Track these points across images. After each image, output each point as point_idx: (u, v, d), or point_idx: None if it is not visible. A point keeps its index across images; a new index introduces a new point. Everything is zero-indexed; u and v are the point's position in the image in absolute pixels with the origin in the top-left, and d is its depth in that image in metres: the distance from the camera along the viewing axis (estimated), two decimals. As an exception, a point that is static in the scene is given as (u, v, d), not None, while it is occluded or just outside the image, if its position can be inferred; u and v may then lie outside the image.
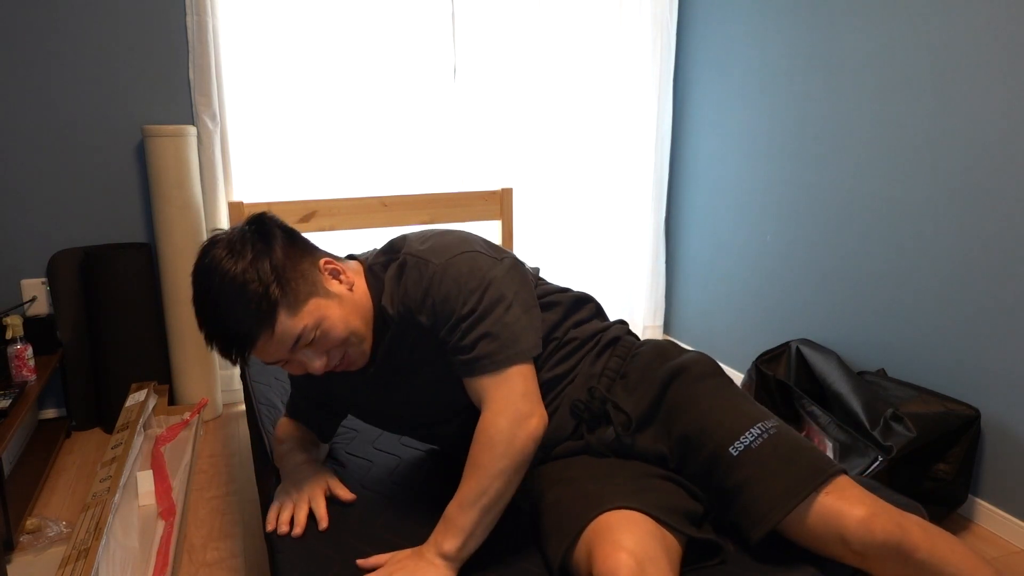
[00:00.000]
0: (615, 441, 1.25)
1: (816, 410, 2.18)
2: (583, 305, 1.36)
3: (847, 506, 1.05)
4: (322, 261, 1.17)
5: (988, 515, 2.04)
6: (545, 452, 1.28)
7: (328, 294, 1.14)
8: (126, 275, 2.53)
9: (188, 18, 2.59)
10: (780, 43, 2.66)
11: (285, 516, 1.21)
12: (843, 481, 1.10)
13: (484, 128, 3.07)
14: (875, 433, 1.99)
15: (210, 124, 2.65)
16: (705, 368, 1.27)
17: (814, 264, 2.60)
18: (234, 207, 2.65)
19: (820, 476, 1.09)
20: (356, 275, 1.22)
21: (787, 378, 2.40)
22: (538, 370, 1.21)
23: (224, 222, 2.74)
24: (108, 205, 2.67)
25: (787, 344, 2.46)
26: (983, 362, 2.02)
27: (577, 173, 3.26)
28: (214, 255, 1.09)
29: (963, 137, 2.03)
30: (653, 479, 1.17)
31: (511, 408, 1.08)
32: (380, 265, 1.22)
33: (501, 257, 1.19)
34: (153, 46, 2.62)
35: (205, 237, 2.64)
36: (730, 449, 1.14)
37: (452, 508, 1.08)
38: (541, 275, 1.51)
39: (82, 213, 2.65)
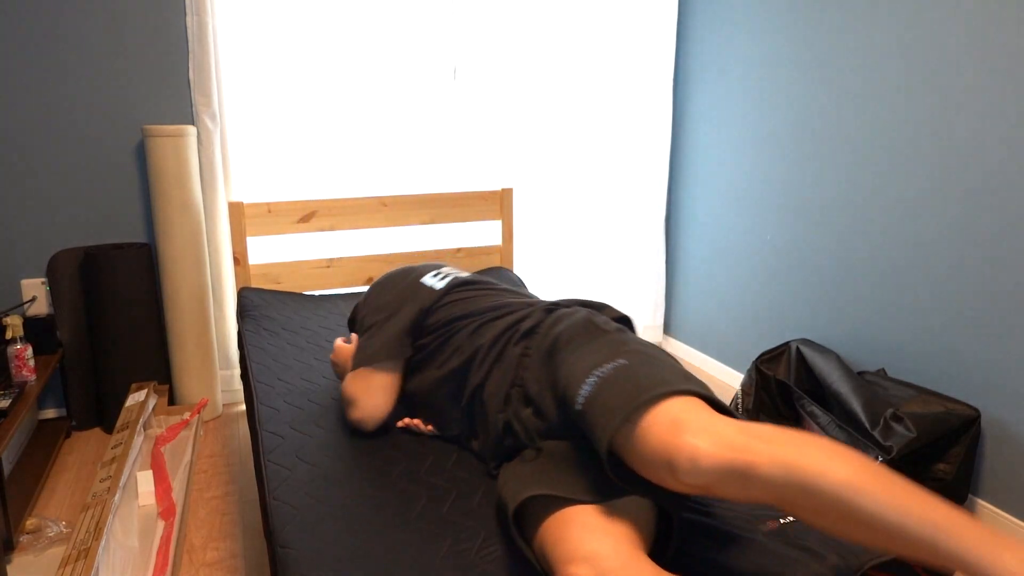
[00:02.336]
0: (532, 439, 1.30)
1: (816, 410, 2.18)
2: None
3: (672, 434, 0.96)
4: None
5: (988, 515, 2.04)
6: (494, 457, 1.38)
7: None
8: (126, 275, 2.53)
9: (188, 18, 2.59)
10: (780, 43, 2.66)
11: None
12: (676, 404, 1.00)
13: (484, 128, 3.07)
14: (875, 433, 1.99)
15: (210, 124, 2.64)
16: (571, 332, 1.27)
17: (814, 264, 2.60)
18: (234, 207, 2.65)
19: (641, 396, 1.01)
20: None
21: (787, 378, 2.40)
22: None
23: (224, 222, 2.74)
24: (108, 205, 2.67)
25: (787, 344, 2.47)
26: (983, 362, 2.02)
27: (577, 173, 3.26)
28: None
29: (963, 137, 2.03)
30: (578, 462, 1.18)
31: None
32: None
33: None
34: (153, 46, 2.62)
35: (205, 237, 2.65)
36: (576, 406, 1.12)
37: None
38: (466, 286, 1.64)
39: (82, 213, 2.65)
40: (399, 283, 1.64)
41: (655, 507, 1.10)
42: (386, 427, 1.58)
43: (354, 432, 1.57)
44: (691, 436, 0.94)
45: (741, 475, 0.91)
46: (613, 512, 1.05)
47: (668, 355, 1.21)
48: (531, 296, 1.60)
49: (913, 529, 0.85)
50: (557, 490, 1.09)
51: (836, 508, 0.87)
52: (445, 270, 1.68)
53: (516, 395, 1.34)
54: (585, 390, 1.11)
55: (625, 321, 1.44)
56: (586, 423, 1.09)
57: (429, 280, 1.62)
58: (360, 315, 1.68)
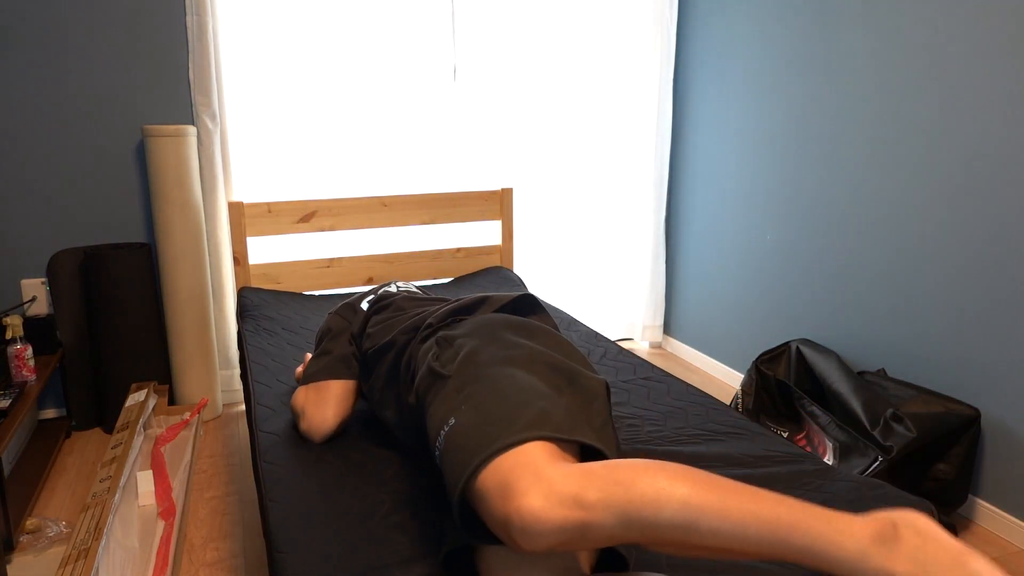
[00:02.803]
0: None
1: (816, 410, 2.18)
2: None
3: (500, 506, 0.84)
4: None
5: (988, 515, 2.04)
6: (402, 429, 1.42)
7: None
8: (126, 275, 2.53)
9: (188, 18, 2.59)
10: (780, 43, 2.66)
11: None
12: (508, 462, 0.88)
13: (484, 128, 3.07)
14: (875, 433, 1.99)
15: (210, 124, 2.65)
16: (424, 381, 1.20)
17: (814, 264, 2.60)
18: (234, 207, 2.65)
19: (467, 467, 0.91)
20: None
21: (787, 378, 2.40)
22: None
23: (224, 222, 2.74)
24: (108, 205, 2.67)
25: (787, 344, 2.46)
26: (983, 362, 2.02)
27: (577, 173, 3.26)
28: None
29: (963, 137, 2.03)
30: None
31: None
32: None
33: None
34: (153, 46, 2.62)
35: (205, 237, 2.65)
36: (436, 460, 1.13)
37: None
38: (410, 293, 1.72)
39: (82, 213, 2.65)
40: (346, 308, 1.72)
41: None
42: (381, 429, 1.58)
43: (360, 431, 1.57)
44: (520, 500, 0.82)
45: (580, 534, 0.81)
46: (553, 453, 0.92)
47: (528, 353, 1.14)
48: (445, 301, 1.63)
49: (759, 533, 0.80)
50: (512, 435, 0.93)
51: (680, 535, 0.81)
52: (382, 291, 1.74)
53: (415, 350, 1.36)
54: (439, 444, 1.03)
55: (523, 302, 1.43)
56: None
57: (363, 304, 1.70)
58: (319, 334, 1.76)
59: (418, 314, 1.51)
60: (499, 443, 0.91)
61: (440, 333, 1.29)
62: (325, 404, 1.52)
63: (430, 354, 1.24)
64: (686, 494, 0.81)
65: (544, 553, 0.89)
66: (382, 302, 1.64)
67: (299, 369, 1.85)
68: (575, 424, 0.99)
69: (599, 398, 1.13)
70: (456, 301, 1.45)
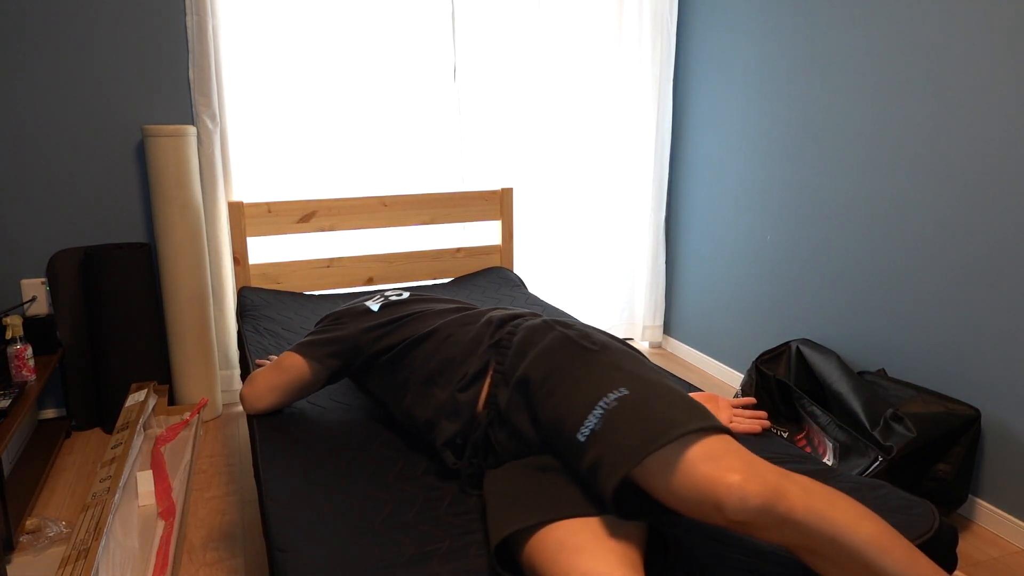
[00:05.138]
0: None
1: (816, 410, 2.18)
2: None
3: (719, 472, 0.98)
4: None
5: (988, 515, 2.04)
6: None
7: None
8: (126, 275, 2.53)
9: (188, 18, 2.59)
10: (780, 43, 2.66)
11: None
12: (713, 443, 1.02)
13: (484, 128, 3.07)
14: (875, 433, 1.99)
15: (210, 124, 2.65)
16: (562, 351, 1.25)
17: (814, 264, 2.60)
18: (234, 207, 2.65)
19: (667, 433, 1.02)
20: None
21: (787, 378, 2.40)
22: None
23: (224, 222, 2.74)
24: (108, 205, 2.67)
25: (787, 344, 2.46)
26: (983, 362, 2.02)
27: (577, 173, 3.26)
28: None
29: (963, 137, 2.03)
30: (558, 475, 1.18)
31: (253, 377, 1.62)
32: None
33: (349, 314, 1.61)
34: (153, 46, 2.62)
35: (205, 237, 2.65)
36: (578, 436, 1.11)
37: None
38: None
39: (82, 213, 2.65)
40: (350, 307, 1.68)
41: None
42: (382, 427, 1.58)
43: (353, 433, 1.57)
44: (737, 476, 0.97)
45: (780, 518, 0.95)
46: (604, 529, 1.05)
47: (654, 368, 1.21)
48: (467, 306, 1.62)
49: None
50: (546, 514, 1.08)
51: (858, 563, 0.95)
52: (383, 294, 1.73)
53: (487, 416, 1.32)
54: (591, 422, 1.10)
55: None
56: (588, 456, 1.09)
57: (370, 303, 1.68)
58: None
59: (461, 308, 1.56)
60: (700, 423, 1.03)
61: (546, 318, 1.38)
62: (276, 390, 1.58)
63: (556, 329, 1.31)
64: (877, 531, 0.96)
65: (738, 527, 0.99)
66: (393, 300, 1.64)
67: (257, 365, 1.85)
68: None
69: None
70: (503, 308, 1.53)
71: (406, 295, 1.70)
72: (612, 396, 1.12)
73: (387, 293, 1.73)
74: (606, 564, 0.99)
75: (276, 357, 1.65)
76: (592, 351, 1.23)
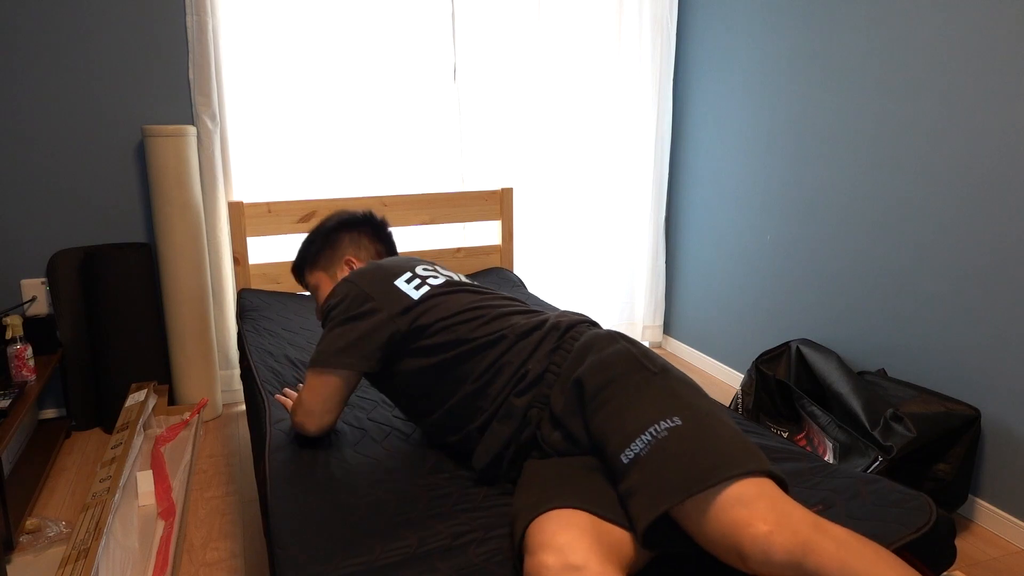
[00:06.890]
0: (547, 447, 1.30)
1: (816, 410, 2.18)
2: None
3: (748, 519, 0.94)
4: (347, 256, 1.67)
5: (988, 515, 2.04)
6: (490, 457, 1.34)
7: (332, 276, 1.66)
8: (126, 275, 2.53)
9: (188, 18, 2.59)
10: (780, 43, 2.66)
11: None
12: (750, 486, 0.98)
13: (484, 128, 3.07)
14: (875, 433, 1.99)
15: (210, 124, 2.65)
16: (621, 365, 1.22)
17: (814, 264, 2.60)
18: (234, 207, 2.65)
19: (708, 478, 0.99)
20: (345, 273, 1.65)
21: (787, 378, 2.40)
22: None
23: (224, 222, 2.74)
24: (108, 205, 2.67)
25: (787, 344, 2.46)
26: (983, 362, 2.02)
27: (577, 173, 3.26)
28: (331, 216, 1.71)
29: (963, 137, 2.03)
30: (594, 472, 1.18)
31: (301, 404, 1.45)
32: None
33: (374, 297, 1.44)
34: (153, 46, 2.62)
35: (205, 237, 2.65)
36: (621, 457, 1.10)
37: None
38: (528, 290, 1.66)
39: (82, 213, 2.65)
40: (375, 280, 1.48)
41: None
42: (384, 425, 1.58)
43: (362, 431, 1.57)
44: (764, 526, 0.94)
45: (808, 573, 0.91)
46: (605, 525, 1.05)
47: (710, 400, 1.20)
48: (515, 301, 1.54)
49: None
50: (588, 505, 1.07)
51: None
52: (421, 270, 1.53)
53: (538, 415, 1.31)
54: (637, 447, 1.09)
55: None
56: (628, 479, 1.08)
57: (403, 286, 1.47)
58: (329, 304, 1.48)
59: (521, 311, 1.46)
60: (743, 467, 1.00)
61: (613, 330, 1.36)
62: (335, 404, 1.42)
63: (620, 342, 1.29)
64: (849, 561, 0.90)
65: (757, 571, 0.96)
66: (440, 289, 1.47)
67: (285, 399, 1.69)
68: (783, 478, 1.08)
69: None
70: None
71: (441, 278, 1.52)
72: (664, 424, 1.09)
73: (420, 272, 1.52)
74: (589, 542, 0.99)
75: (305, 381, 1.51)
76: (652, 372, 1.21)
